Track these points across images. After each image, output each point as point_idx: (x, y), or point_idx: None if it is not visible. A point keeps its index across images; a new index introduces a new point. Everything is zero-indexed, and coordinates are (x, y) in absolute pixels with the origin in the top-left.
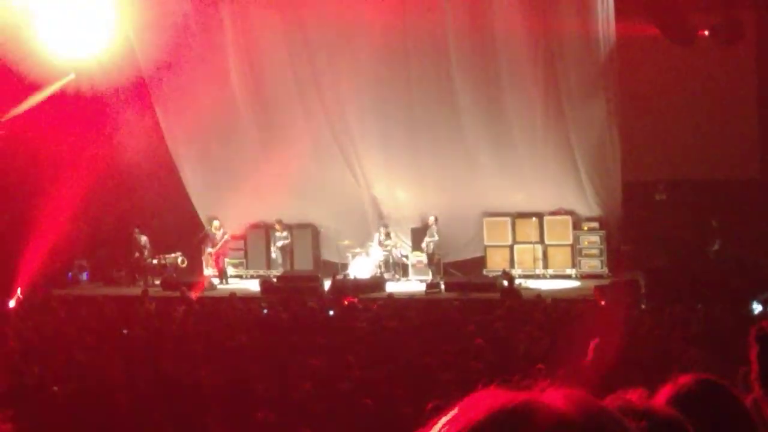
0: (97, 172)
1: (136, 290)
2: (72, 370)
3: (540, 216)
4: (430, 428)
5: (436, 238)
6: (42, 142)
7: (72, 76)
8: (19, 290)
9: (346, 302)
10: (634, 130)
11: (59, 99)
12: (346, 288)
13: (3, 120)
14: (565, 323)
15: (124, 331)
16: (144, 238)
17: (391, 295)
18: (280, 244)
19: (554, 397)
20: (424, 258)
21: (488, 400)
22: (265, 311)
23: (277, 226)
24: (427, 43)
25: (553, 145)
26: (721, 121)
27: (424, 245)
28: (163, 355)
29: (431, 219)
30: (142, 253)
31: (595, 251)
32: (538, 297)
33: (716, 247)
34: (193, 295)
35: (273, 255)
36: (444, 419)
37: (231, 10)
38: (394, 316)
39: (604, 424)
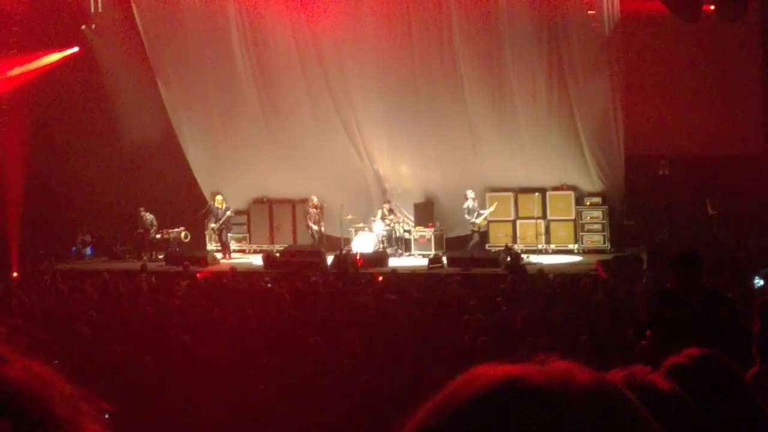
0: (101, 148)
1: (139, 265)
2: (76, 343)
3: (543, 191)
4: (428, 404)
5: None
6: (46, 118)
7: (75, 50)
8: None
9: (359, 263)
10: (637, 106)
11: (62, 72)
12: (348, 263)
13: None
14: (567, 298)
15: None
16: (150, 217)
17: (395, 271)
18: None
19: (552, 369)
20: (428, 233)
21: (484, 374)
22: (268, 285)
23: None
24: (430, 18)
25: (557, 121)
26: (725, 96)
27: (478, 221)
28: (166, 328)
29: (471, 194)
30: (147, 231)
31: (597, 226)
32: (541, 272)
33: (713, 212)
34: (196, 269)
35: (310, 232)
36: (439, 395)
37: None
38: (396, 290)
39: (605, 394)
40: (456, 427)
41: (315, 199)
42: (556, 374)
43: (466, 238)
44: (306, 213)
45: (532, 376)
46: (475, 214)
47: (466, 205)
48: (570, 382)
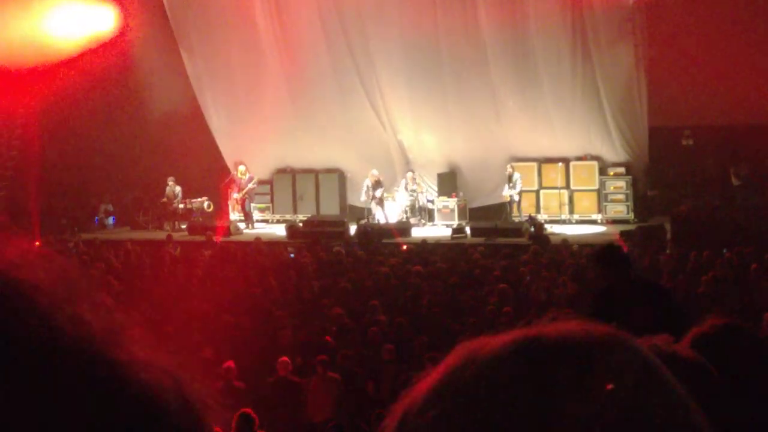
0: (124, 117)
1: (162, 235)
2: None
3: (566, 161)
4: (437, 372)
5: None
6: (68, 88)
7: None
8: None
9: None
10: (661, 75)
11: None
12: (371, 233)
13: None
14: (588, 268)
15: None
16: (178, 189)
17: (425, 240)
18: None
19: (567, 326)
20: (451, 203)
21: (494, 339)
22: (292, 255)
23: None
24: None
25: (581, 90)
26: (749, 65)
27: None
28: (189, 298)
29: (510, 168)
30: (170, 200)
31: (621, 197)
32: (564, 242)
33: (737, 182)
34: (219, 239)
35: (374, 210)
36: (444, 365)
37: None
38: (419, 260)
39: (624, 346)
40: (480, 387)
41: (376, 173)
42: (572, 331)
43: (490, 209)
44: (367, 189)
45: (549, 333)
46: (507, 187)
47: (507, 173)
48: (587, 336)
